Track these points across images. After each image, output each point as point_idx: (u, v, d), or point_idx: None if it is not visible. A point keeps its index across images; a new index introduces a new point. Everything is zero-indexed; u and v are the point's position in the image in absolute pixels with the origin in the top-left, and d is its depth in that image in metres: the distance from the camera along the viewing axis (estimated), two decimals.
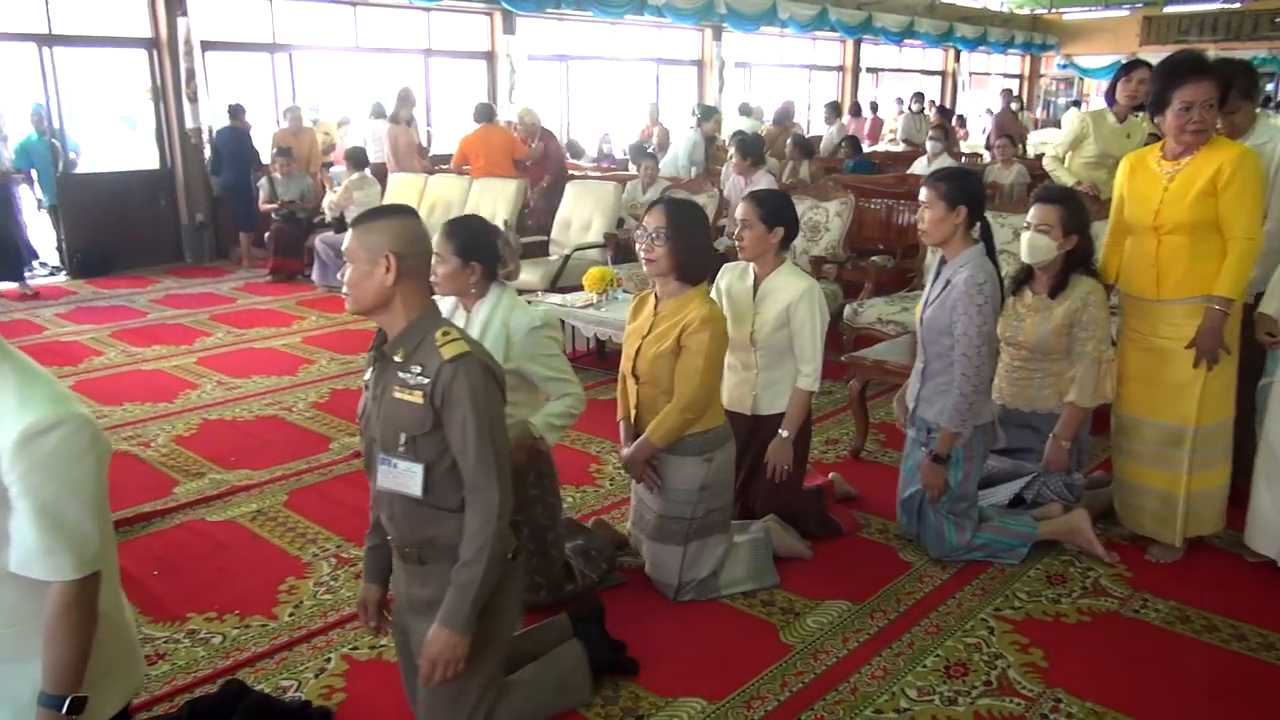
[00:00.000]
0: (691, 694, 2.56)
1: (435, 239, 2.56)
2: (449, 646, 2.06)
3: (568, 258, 6.57)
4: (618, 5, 11.64)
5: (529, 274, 6.48)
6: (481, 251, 2.71)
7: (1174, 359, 3.11)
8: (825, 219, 5.84)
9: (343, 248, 2.09)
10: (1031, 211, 3.34)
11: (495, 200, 7.62)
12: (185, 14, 8.70)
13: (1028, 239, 3.33)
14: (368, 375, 2.20)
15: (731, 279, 3.35)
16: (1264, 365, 3.30)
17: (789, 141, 8.97)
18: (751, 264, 3.27)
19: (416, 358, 2.06)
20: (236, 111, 8.84)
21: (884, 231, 6.49)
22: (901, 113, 14.34)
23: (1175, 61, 3.02)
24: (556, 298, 5.39)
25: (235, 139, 8.85)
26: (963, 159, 9.69)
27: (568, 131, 12.50)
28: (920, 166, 8.61)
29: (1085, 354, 3.27)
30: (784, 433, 3.25)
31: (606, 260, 6.40)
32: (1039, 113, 19.89)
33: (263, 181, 8.50)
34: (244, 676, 2.61)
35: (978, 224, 3.10)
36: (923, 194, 3.10)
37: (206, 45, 9.05)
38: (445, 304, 2.80)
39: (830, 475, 3.74)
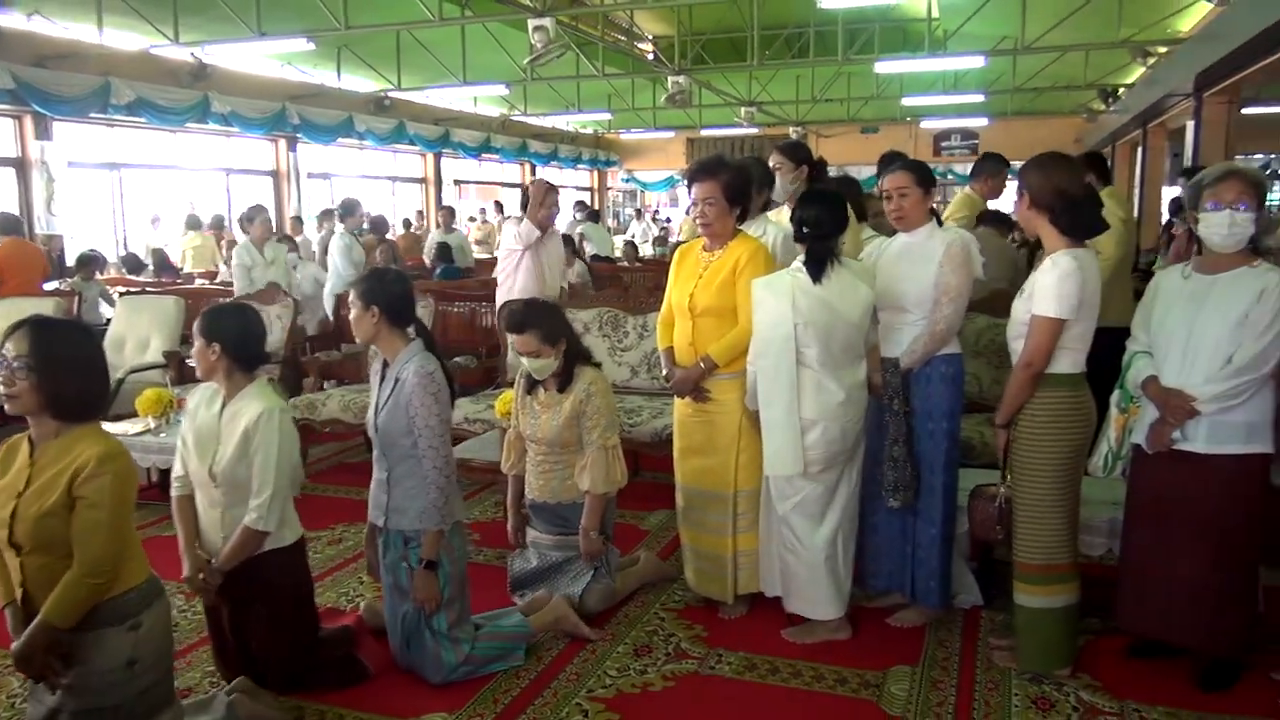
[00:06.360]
0: None
1: None
2: None
3: (121, 381, 5.85)
4: (176, 113, 10.91)
5: None
6: None
7: (714, 428, 3.42)
8: None
9: None
10: (516, 342, 3.42)
11: None
12: None
13: (526, 364, 3.45)
14: None
15: (200, 402, 3.02)
16: None
17: (379, 251, 8.91)
18: (221, 388, 2.94)
19: None
20: None
21: (468, 333, 6.80)
22: (485, 222, 15.01)
23: (694, 164, 3.42)
24: (108, 426, 4.73)
25: None
26: None
27: (125, 245, 11.36)
28: None
29: (593, 442, 3.42)
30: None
31: (167, 381, 5.80)
32: (610, 221, 21.93)
33: None
34: None
35: (412, 325, 3.09)
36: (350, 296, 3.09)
37: None
38: None
39: (361, 606, 3.49)
